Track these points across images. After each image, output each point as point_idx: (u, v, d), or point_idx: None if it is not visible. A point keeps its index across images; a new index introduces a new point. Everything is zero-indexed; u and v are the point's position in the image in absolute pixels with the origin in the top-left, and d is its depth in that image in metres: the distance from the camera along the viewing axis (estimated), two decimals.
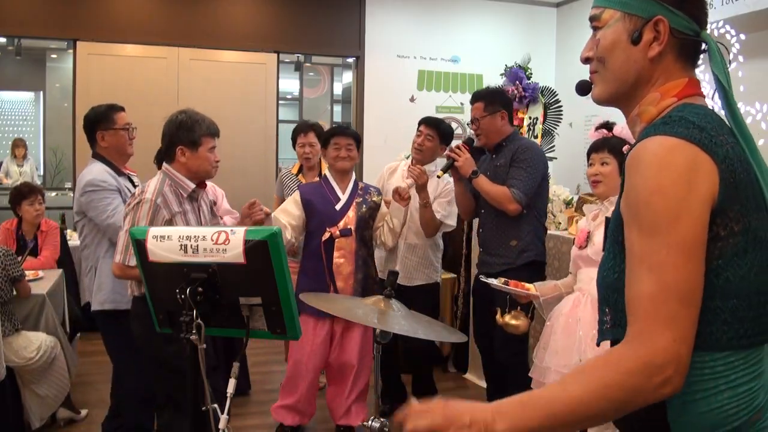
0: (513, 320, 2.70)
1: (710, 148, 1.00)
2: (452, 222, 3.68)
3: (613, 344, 1.10)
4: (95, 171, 2.87)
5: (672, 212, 0.98)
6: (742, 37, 4.45)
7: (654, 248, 0.99)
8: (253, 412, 3.85)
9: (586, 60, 1.20)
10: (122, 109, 3.01)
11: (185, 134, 2.53)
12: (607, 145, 2.54)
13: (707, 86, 1.20)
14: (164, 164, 2.60)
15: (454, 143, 3.56)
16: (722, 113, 1.13)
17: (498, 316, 2.74)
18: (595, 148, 2.58)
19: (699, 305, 0.99)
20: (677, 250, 0.98)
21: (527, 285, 2.73)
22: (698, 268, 0.99)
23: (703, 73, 1.30)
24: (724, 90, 1.09)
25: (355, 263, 3.29)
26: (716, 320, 1.02)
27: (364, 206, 3.35)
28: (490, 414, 0.99)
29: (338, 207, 3.31)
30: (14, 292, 3.32)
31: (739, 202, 1.02)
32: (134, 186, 3.02)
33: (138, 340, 2.52)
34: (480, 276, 2.89)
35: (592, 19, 1.17)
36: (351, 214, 3.31)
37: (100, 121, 2.93)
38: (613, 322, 1.12)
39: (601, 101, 1.20)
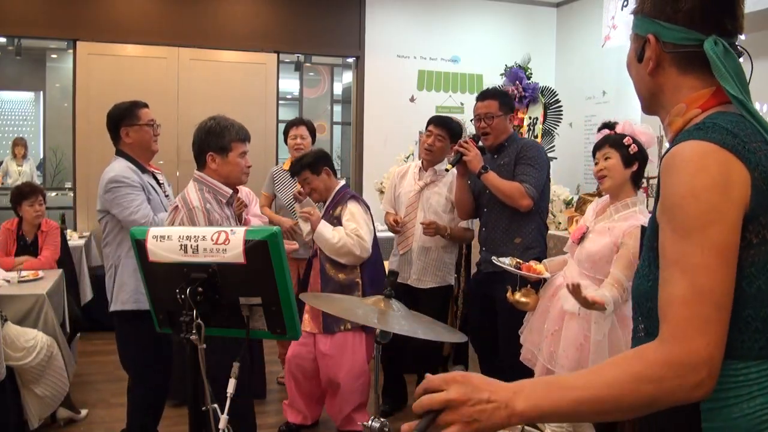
0: (523, 298, 2.77)
1: (743, 155, 1.01)
2: (472, 225, 3.71)
3: None
4: (117, 168, 2.82)
5: (705, 216, 0.98)
6: (742, 37, 4.44)
7: (687, 250, 0.99)
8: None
9: None
10: (146, 105, 2.96)
11: (214, 140, 2.51)
12: (607, 141, 2.59)
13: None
14: (196, 171, 2.56)
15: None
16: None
17: (509, 294, 2.79)
18: (597, 147, 2.64)
19: (730, 310, 0.98)
20: (711, 254, 0.97)
21: (538, 267, 2.79)
22: (731, 273, 0.99)
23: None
24: (735, 98, 1.07)
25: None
26: (748, 329, 1.02)
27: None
28: (511, 392, 0.99)
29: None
30: None
31: None
32: (159, 184, 2.97)
33: (176, 346, 2.48)
34: (492, 257, 2.90)
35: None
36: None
37: (124, 117, 2.88)
38: (647, 330, 1.12)
39: (643, 112, 1.27)
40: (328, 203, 3.39)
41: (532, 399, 0.98)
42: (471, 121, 3.46)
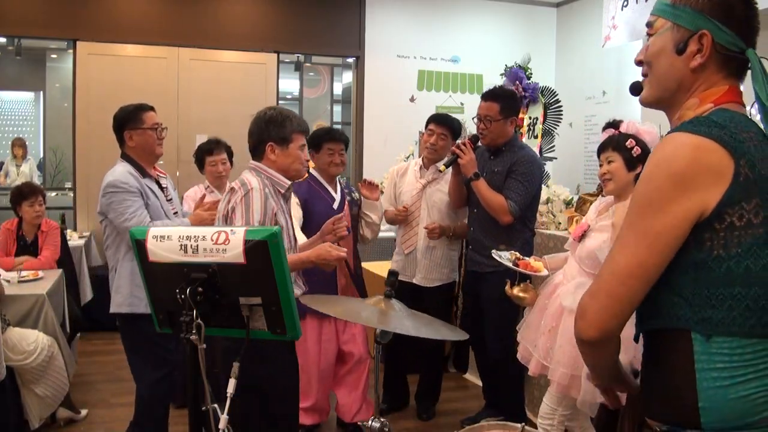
0: (521, 293, 2.77)
1: (729, 143, 1.07)
2: None
3: (649, 335, 1.21)
4: (117, 172, 2.81)
5: (647, 199, 1.09)
6: None
7: (624, 228, 1.13)
8: None
9: (638, 63, 1.29)
10: (151, 108, 2.93)
11: (275, 130, 2.40)
12: (611, 143, 2.57)
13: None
14: (252, 162, 2.47)
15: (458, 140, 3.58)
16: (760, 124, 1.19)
17: (507, 288, 2.79)
18: (601, 149, 2.62)
19: (641, 289, 1.12)
20: (640, 236, 1.10)
21: (536, 265, 2.78)
22: (653, 258, 1.10)
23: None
24: (764, 107, 1.15)
25: (354, 260, 3.37)
26: (738, 306, 1.08)
27: (354, 205, 3.42)
28: None
29: (335, 206, 3.32)
30: None
31: (757, 196, 1.07)
32: (161, 188, 2.94)
33: (225, 356, 2.40)
34: (492, 251, 2.90)
35: (648, 25, 1.26)
36: (347, 212, 3.34)
37: (128, 121, 2.86)
38: (640, 317, 1.20)
39: (647, 103, 1.28)
40: (344, 187, 3.44)
41: None
42: (473, 119, 3.47)
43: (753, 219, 1.07)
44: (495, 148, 3.38)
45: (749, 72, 1.19)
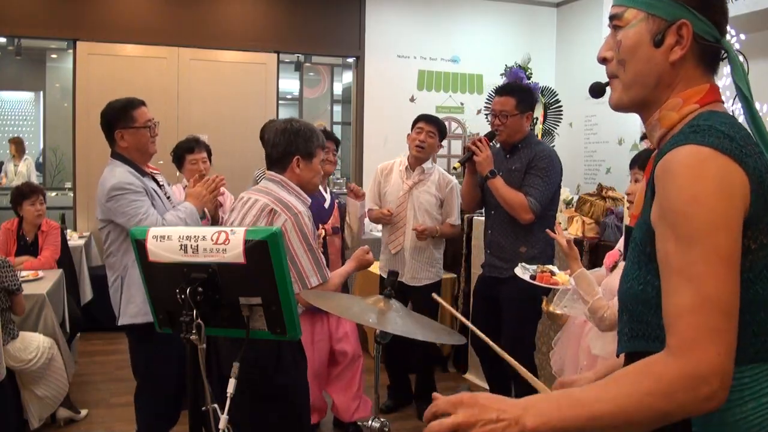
0: (558, 310, 2.60)
1: (741, 159, 0.98)
2: (459, 221, 3.83)
3: (632, 356, 1.08)
4: (118, 174, 2.63)
5: (710, 223, 0.95)
6: (742, 37, 4.44)
7: (692, 259, 0.95)
8: None
9: (603, 60, 1.17)
10: (142, 103, 2.76)
11: (303, 144, 2.39)
12: (639, 160, 2.38)
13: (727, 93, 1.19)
14: (273, 173, 2.42)
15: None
16: (742, 120, 1.11)
17: (544, 304, 2.66)
18: (631, 164, 2.44)
19: (737, 318, 0.96)
20: (717, 261, 0.94)
21: (560, 278, 2.65)
22: (736, 280, 0.96)
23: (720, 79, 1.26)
24: (747, 100, 1.07)
25: (341, 260, 3.36)
26: (745, 333, 1.00)
27: (341, 208, 3.47)
28: (520, 409, 0.96)
29: (326, 205, 3.33)
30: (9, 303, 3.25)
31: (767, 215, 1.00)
32: (159, 185, 2.80)
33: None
34: (520, 264, 2.78)
35: (612, 17, 1.14)
36: (335, 213, 3.38)
37: (119, 120, 2.71)
38: (632, 333, 1.09)
39: (620, 107, 1.16)
40: (331, 193, 3.46)
41: (543, 415, 0.95)
42: (479, 112, 3.44)
43: (764, 240, 0.99)
44: (511, 146, 3.24)
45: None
